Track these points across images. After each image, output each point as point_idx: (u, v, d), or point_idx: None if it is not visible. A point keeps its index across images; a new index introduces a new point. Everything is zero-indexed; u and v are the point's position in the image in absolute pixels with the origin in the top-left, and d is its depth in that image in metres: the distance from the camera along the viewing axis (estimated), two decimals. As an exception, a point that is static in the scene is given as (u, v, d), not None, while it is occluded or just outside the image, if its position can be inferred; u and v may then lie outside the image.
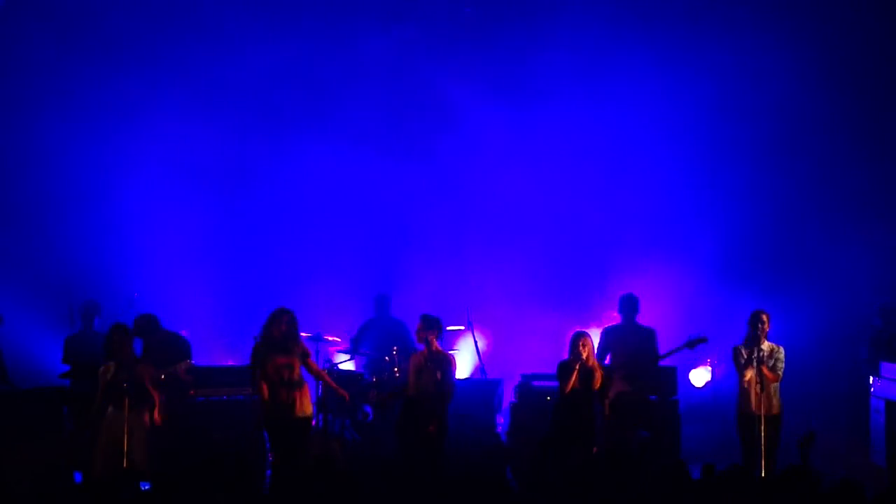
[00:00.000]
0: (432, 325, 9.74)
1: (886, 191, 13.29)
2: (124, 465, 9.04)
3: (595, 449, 9.72)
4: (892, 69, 13.27)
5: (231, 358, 12.77)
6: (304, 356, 9.54)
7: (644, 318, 11.17)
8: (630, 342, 10.94)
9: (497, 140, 13.90)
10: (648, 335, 11.04)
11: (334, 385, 9.84)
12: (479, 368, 12.73)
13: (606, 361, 10.79)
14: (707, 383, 13.33)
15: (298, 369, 9.46)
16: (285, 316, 9.49)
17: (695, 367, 13.32)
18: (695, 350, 10.76)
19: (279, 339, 9.42)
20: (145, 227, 13.49)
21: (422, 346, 9.78)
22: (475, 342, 12.72)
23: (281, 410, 9.34)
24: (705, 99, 13.40)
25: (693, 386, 13.28)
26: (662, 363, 11.02)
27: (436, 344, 9.72)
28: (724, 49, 13.31)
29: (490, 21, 13.98)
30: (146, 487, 7.21)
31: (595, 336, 10.50)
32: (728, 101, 13.43)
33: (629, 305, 11.12)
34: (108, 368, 9.34)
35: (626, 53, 13.49)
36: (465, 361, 12.91)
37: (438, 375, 9.63)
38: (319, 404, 11.60)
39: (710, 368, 13.24)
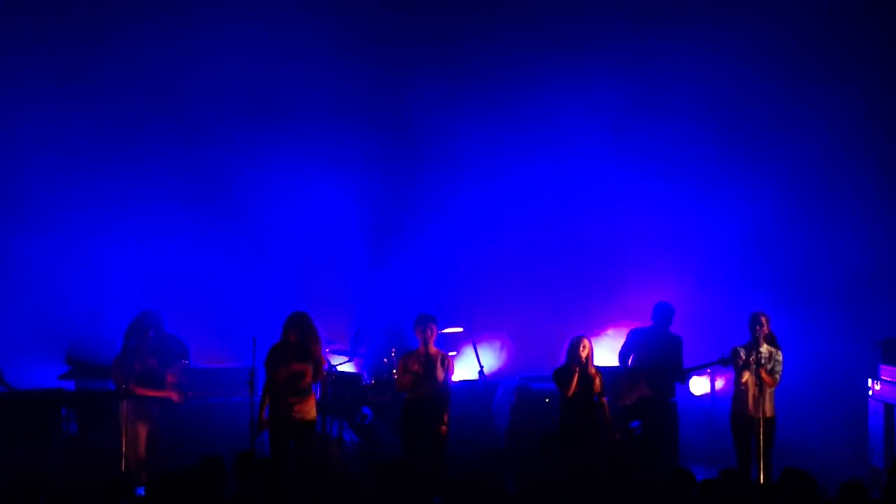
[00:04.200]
0: (428, 322, 9.75)
1: (890, 187, 13.23)
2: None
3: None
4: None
5: (228, 360, 12.75)
6: (318, 366, 9.33)
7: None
8: (656, 347, 10.65)
9: (498, 145, 13.89)
10: (675, 342, 10.74)
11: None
12: (478, 371, 12.69)
13: (629, 363, 10.61)
14: (705, 394, 13.26)
15: (311, 376, 9.31)
16: (303, 320, 9.33)
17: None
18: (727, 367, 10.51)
19: (294, 344, 9.29)
20: (143, 228, 13.46)
21: (419, 346, 9.80)
22: (474, 345, 12.70)
23: (287, 416, 9.22)
24: (703, 100, 13.39)
25: (692, 394, 13.22)
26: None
27: (431, 343, 9.73)
28: (717, 49, 13.28)
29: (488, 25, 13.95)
30: (141, 492, 7.21)
31: (598, 339, 10.51)
32: (726, 99, 13.40)
33: (664, 314, 10.74)
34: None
35: (626, 56, 13.47)
36: (463, 364, 12.88)
37: (441, 375, 9.65)
38: (319, 406, 11.58)
39: (708, 378, 13.14)
